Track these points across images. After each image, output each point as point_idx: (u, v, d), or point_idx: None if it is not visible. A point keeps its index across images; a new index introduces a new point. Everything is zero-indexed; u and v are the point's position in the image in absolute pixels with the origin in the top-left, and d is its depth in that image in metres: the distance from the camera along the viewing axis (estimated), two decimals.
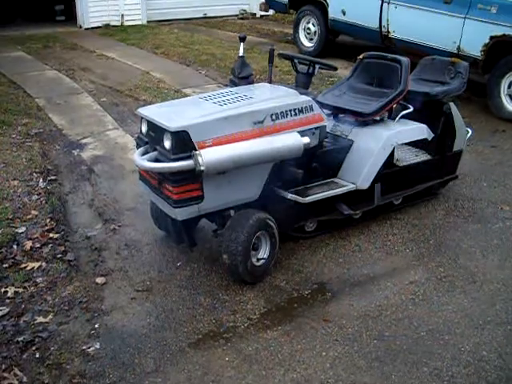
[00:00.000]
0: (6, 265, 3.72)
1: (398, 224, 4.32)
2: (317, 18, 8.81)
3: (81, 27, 11.36)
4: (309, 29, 9.05)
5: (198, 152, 3.14)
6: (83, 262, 3.82)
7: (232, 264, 3.42)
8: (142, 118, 3.58)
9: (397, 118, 4.20)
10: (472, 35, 6.66)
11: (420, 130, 4.21)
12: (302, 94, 3.72)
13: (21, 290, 3.49)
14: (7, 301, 3.40)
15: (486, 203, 4.68)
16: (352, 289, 3.54)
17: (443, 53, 6.69)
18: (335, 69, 4.05)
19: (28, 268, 3.69)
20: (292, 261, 3.82)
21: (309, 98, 3.66)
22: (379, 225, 4.30)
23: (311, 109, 3.64)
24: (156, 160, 3.35)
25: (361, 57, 4.44)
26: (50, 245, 3.96)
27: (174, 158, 3.21)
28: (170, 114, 3.44)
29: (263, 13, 12.70)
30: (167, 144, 3.27)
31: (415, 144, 4.50)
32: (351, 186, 3.93)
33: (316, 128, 3.71)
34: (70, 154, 5.53)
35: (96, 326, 3.20)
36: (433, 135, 4.28)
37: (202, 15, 12.65)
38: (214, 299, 3.42)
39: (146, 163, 3.29)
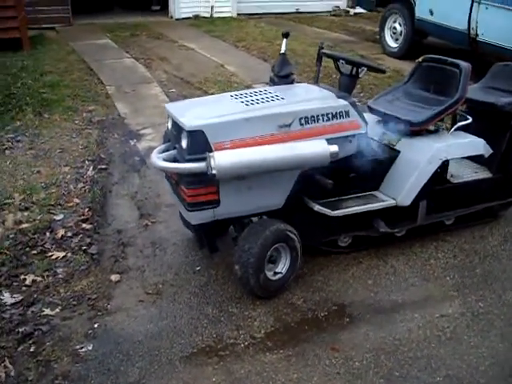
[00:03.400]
0: (35, 251, 3.72)
1: (445, 247, 3.88)
2: (403, 17, 8.35)
3: (172, 17, 11.48)
4: (395, 28, 8.59)
5: (211, 154, 2.93)
6: (105, 256, 3.73)
7: (243, 276, 3.18)
8: (168, 114, 3.43)
9: (451, 130, 3.76)
10: None
11: (475, 145, 3.74)
12: (339, 97, 3.39)
13: (39, 278, 3.46)
14: (23, 288, 3.38)
15: None
16: (373, 316, 3.19)
17: None
18: (383, 72, 3.69)
19: (53, 257, 3.66)
20: (316, 277, 3.52)
21: (346, 103, 3.32)
22: (423, 246, 3.88)
23: (347, 114, 3.31)
24: (174, 159, 3.19)
25: (419, 60, 4.03)
26: (81, 235, 3.91)
27: (189, 158, 3.02)
28: (191, 112, 3.25)
29: (357, 10, 12.27)
30: (184, 143, 3.09)
31: (477, 160, 4.04)
32: (390, 202, 3.57)
33: (353, 136, 3.39)
34: (127, 143, 5.50)
35: (95, 325, 3.08)
36: (491, 151, 3.79)
37: (293, 10, 12.40)
38: (221, 311, 3.20)
39: (159, 162, 3.12)
